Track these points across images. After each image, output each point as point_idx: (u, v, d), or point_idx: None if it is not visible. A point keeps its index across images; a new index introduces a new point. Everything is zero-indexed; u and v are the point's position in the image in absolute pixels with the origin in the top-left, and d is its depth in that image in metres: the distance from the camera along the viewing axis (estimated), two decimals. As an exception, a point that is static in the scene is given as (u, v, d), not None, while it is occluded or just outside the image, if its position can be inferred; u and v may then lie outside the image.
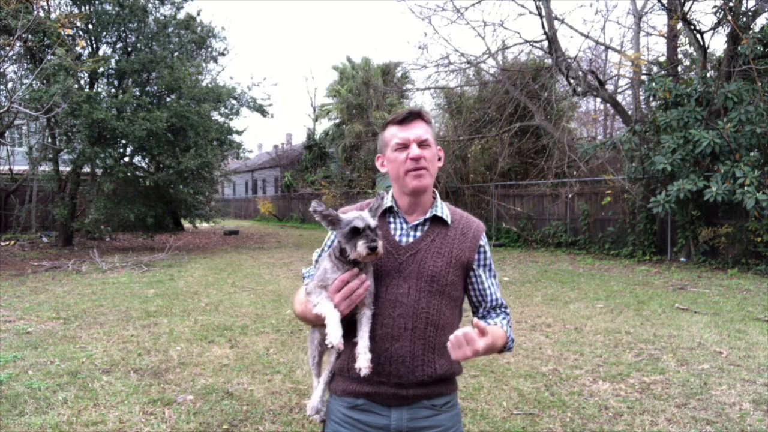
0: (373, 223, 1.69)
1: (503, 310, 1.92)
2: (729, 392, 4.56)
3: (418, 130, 1.82)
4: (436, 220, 1.87)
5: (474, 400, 4.49)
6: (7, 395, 4.55)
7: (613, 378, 4.97)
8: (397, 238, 1.84)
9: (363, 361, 1.66)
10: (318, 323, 1.76)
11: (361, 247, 1.63)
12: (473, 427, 4.02)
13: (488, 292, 1.90)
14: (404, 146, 1.82)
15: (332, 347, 1.61)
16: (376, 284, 1.77)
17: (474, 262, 1.87)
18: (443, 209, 1.89)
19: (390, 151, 1.85)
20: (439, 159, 1.90)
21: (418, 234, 1.85)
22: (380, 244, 1.66)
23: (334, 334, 1.60)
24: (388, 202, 1.88)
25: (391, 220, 1.88)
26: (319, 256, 1.94)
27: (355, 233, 1.66)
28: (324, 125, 33.96)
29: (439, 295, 1.78)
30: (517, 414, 4.22)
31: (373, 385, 1.75)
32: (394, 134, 1.84)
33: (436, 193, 1.93)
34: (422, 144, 1.82)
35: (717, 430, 3.89)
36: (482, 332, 1.58)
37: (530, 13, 14.95)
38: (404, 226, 1.86)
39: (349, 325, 1.73)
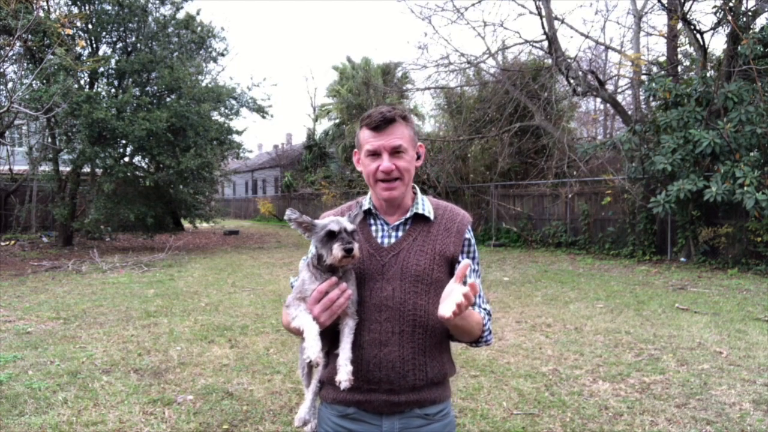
0: (350, 226, 1.64)
1: (483, 308, 1.81)
2: (729, 392, 4.56)
3: (391, 138, 1.73)
4: (418, 218, 1.81)
5: (474, 400, 4.49)
6: (7, 395, 4.55)
7: (613, 378, 4.97)
8: (378, 240, 1.79)
9: (343, 374, 1.60)
10: (300, 336, 1.71)
11: (336, 249, 1.57)
12: (473, 427, 4.02)
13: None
14: (376, 154, 1.75)
15: (310, 362, 1.56)
16: (360, 289, 1.72)
17: (459, 255, 1.80)
18: (425, 205, 1.83)
19: (363, 155, 1.79)
20: (419, 157, 1.83)
21: (400, 234, 1.79)
22: (356, 246, 1.60)
23: (312, 349, 1.54)
24: (366, 204, 1.83)
25: (372, 222, 1.84)
26: None
27: (330, 237, 1.61)
28: (324, 125, 34.02)
29: (425, 294, 1.72)
30: (517, 414, 4.22)
31: (363, 393, 1.70)
32: (367, 139, 1.76)
33: (417, 189, 1.87)
34: (395, 152, 1.73)
35: (717, 430, 3.89)
36: (472, 289, 1.48)
37: (530, 13, 14.97)
38: (385, 227, 1.81)
39: (336, 335, 1.67)
